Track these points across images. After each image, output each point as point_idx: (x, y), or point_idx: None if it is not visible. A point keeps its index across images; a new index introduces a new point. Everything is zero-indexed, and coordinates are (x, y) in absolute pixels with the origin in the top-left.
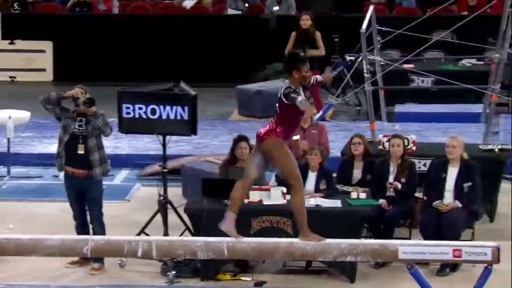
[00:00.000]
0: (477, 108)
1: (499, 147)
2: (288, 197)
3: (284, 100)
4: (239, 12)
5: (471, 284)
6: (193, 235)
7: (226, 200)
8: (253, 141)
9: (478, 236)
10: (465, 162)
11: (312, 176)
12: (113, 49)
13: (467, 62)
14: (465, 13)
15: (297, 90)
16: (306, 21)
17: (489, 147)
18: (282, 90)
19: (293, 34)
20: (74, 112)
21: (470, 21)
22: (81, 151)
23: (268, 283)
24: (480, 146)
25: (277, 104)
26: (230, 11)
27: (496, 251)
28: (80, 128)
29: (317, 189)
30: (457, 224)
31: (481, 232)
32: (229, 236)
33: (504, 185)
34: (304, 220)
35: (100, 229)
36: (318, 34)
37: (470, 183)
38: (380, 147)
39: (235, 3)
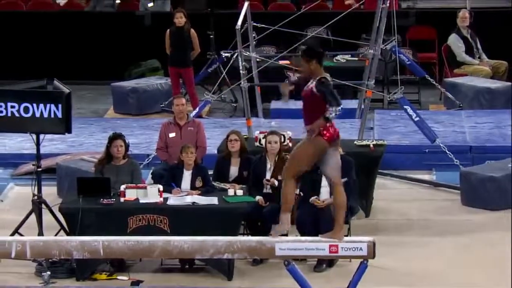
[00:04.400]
0: (352, 103)
1: (374, 142)
2: (164, 195)
3: None
4: (112, 10)
5: (348, 279)
6: (68, 235)
7: (102, 199)
8: (128, 139)
9: (354, 232)
10: (340, 157)
11: (187, 174)
12: None
13: (342, 58)
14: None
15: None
16: (180, 19)
17: (364, 142)
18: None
19: (168, 32)
20: None
21: (344, 18)
22: None
23: (145, 282)
24: (355, 142)
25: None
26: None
27: (372, 245)
28: None
29: (193, 187)
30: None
31: (357, 227)
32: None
33: (379, 180)
34: (343, 217)
35: None
36: (194, 33)
37: (345, 179)
38: (257, 143)
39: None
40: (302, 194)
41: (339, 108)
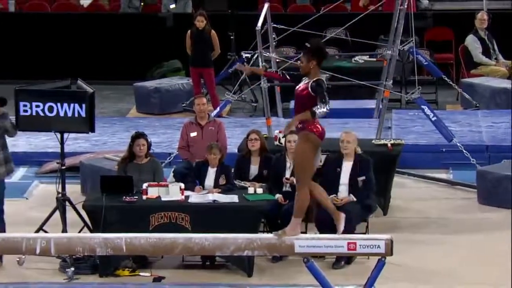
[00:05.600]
0: (370, 103)
1: (392, 141)
2: (186, 193)
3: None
4: (136, 11)
5: (366, 276)
6: (91, 231)
7: (124, 197)
8: (150, 138)
9: (372, 229)
10: (359, 156)
11: (211, 172)
12: (10, 47)
13: (360, 58)
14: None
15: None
16: (201, 23)
17: (382, 142)
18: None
19: (189, 32)
20: None
21: (363, 19)
22: None
23: (167, 279)
24: (373, 141)
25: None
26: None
27: (389, 243)
28: None
29: (216, 185)
30: (352, 217)
31: (375, 225)
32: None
33: (397, 179)
34: (298, 214)
35: (0, 227)
36: (214, 34)
37: (364, 177)
38: (276, 142)
39: (130, 1)
40: None
41: (328, 107)
